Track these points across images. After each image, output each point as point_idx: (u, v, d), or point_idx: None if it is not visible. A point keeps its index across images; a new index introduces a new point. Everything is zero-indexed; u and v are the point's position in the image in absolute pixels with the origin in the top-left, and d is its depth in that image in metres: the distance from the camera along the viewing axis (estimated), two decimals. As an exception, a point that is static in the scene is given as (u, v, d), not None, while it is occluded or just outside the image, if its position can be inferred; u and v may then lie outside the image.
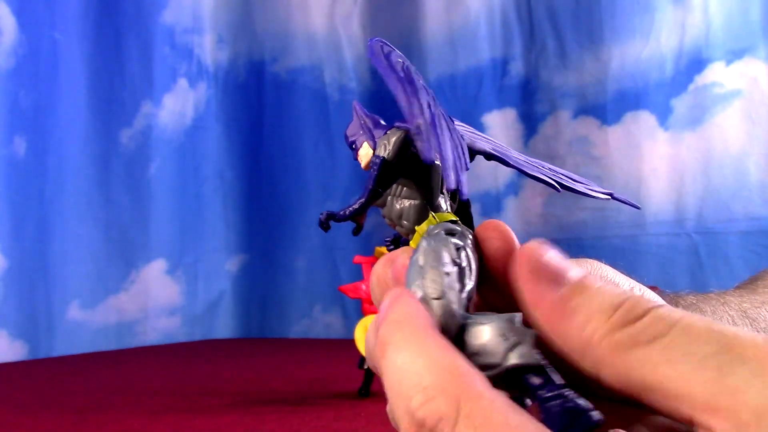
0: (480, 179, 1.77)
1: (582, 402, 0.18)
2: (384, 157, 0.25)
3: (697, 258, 1.56)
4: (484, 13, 1.82)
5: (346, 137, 0.29)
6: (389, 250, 0.28)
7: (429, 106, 0.23)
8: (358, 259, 1.03)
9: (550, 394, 0.18)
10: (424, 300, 0.20)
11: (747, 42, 1.54)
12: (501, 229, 0.24)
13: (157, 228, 1.84)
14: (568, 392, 0.18)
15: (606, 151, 1.66)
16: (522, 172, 0.28)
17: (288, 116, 2.03)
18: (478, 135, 0.30)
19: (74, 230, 1.66)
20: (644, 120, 1.63)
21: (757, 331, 0.32)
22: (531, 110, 1.77)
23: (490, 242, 0.24)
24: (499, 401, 0.16)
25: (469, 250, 0.23)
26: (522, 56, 1.79)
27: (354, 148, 0.29)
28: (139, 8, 1.82)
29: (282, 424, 0.82)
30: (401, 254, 0.24)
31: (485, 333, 0.20)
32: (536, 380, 0.19)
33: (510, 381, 0.19)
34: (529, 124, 1.77)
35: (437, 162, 0.21)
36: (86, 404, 0.97)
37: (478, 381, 0.17)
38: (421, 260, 0.22)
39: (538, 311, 0.18)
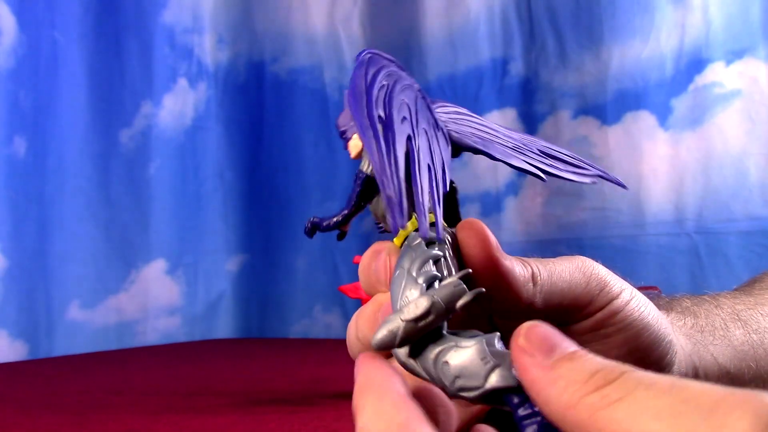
0: (480, 179, 1.77)
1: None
2: (367, 174, 0.26)
3: (697, 258, 1.56)
4: (484, 13, 1.82)
5: (337, 126, 0.30)
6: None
7: (410, 140, 0.24)
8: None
9: (526, 413, 0.20)
10: (404, 321, 0.22)
11: (747, 42, 1.54)
12: (476, 228, 0.25)
13: (157, 228, 1.84)
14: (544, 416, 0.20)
15: (606, 151, 1.65)
16: (506, 164, 0.28)
17: (288, 116, 2.02)
18: (467, 119, 0.30)
19: (74, 230, 1.66)
20: (644, 120, 1.63)
21: (749, 333, 0.32)
22: (531, 110, 1.77)
23: (467, 241, 0.25)
24: None
25: (448, 259, 0.24)
26: (522, 56, 1.79)
27: (344, 138, 0.30)
28: (139, 8, 1.82)
29: (282, 424, 0.82)
30: (386, 249, 0.26)
31: (465, 356, 0.21)
32: (515, 399, 0.20)
33: (491, 400, 0.21)
34: (529, 124, 1.77)
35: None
36: (86, 404, 0.97)
37: None
38: (402, 275, 0.24)
39: (526, 377, 0.19)
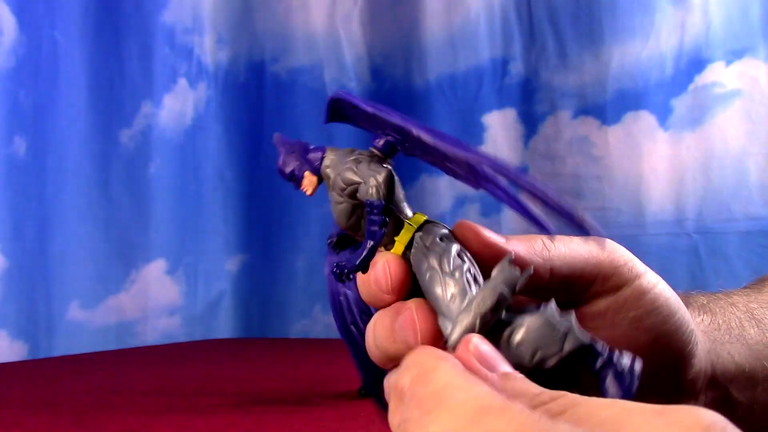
0: (480, 179, 1.77)
1: (625, 361, 0.22)
2: (383, 201, 0.26)
3: (697, 258, 1.56)
4: (484, 13, 1.82)
5: (282, 172, 0.30)
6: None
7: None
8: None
9: (602, 363, 0.22)
10: (479, 313, 0.23)
11: (747, 42, 1.54)
12: (468, 224, 0.27)
13: (157, 228, 1.84)
14: (615, 356, 0.22)
15: (606, 151, 1.65)
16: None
17: (288, 116, 2.02)
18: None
19: (74, 230, 1.65)
20: (644, 120, 1.63)
21: (763, 332, 0.32)
22: (531, 110, 1.77)
23: (463, 236, 0.26)
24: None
25: (465, 250, 0.25)
26: (522, 56, 1.79)
27: (295, 179, 0.29)
28: (139, 8, 1.82)
29: (282, 424, 0.82)
30: (384, 258, 0.26)
31: (537, 329, 0.23)
32: (590, 355, 0.22)
33: (566, 363, 0.22)
34: (529, 124, 1.77)
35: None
36: (86, 404, 0.97)
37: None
38: (435, 275, 0.24)
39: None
